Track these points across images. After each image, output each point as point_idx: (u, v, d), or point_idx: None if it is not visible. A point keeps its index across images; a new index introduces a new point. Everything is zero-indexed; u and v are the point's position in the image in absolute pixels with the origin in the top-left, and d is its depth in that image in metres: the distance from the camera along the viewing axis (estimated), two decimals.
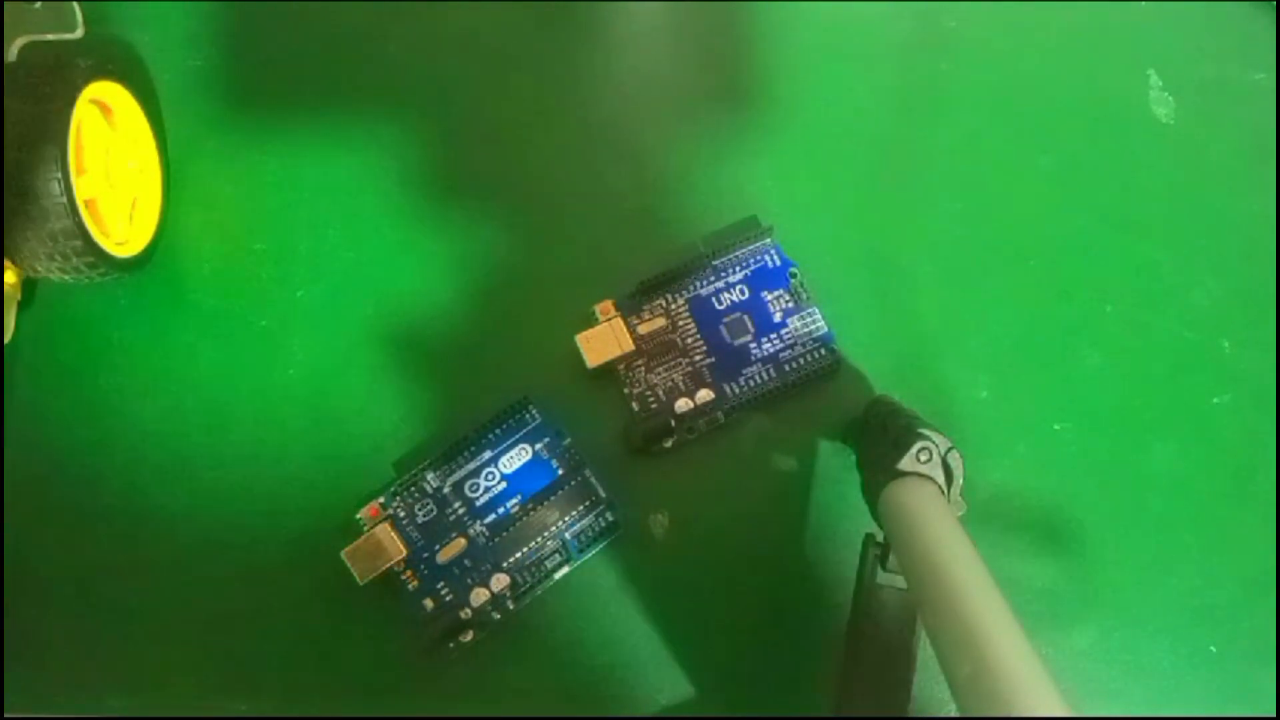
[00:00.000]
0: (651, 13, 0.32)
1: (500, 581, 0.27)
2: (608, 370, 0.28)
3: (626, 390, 0.29)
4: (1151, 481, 0.29)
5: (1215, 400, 0.30)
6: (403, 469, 0.28)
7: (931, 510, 0.22)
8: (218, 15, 0.32)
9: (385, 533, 0.27)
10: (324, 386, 0.29)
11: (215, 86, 0.31)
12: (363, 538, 0.27)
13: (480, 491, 0.28)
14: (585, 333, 0.28)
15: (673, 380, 0.29)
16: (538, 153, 0.31)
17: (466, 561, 0.27)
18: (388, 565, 0.26)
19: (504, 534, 0.27)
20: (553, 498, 0.27)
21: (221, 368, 0.29)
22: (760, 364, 0.29)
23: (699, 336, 0.29)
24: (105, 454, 0.28)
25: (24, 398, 0.29)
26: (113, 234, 0.28)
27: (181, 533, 0.28)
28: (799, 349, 0.29)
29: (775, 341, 0.29)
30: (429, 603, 0.27)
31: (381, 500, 0.28)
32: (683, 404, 0.28)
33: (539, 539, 0.27)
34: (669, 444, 0.28)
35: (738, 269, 0.29)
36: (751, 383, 0.28)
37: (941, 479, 0.24)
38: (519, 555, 0.27)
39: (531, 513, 0.27)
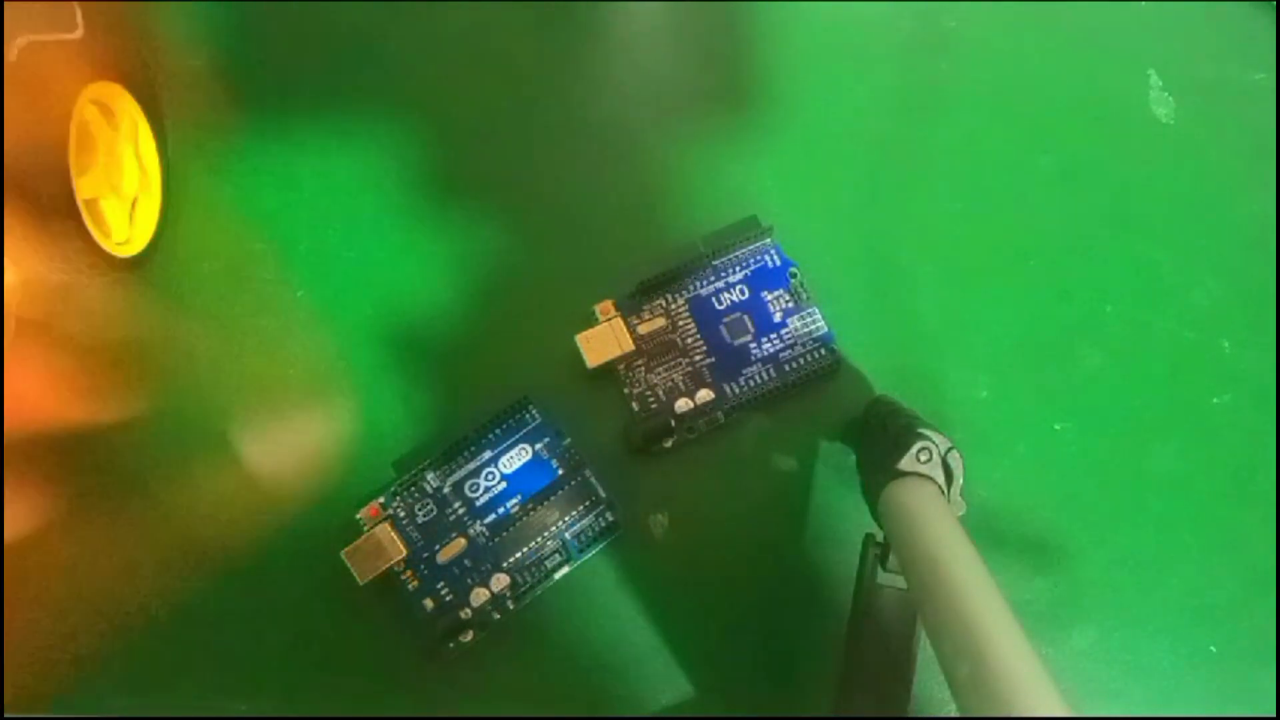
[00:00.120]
0: (651, 13, 0.32)
1: (500, 581, 0.27)
2: (608, 370, 0.28)
3: (626, 390, 0.29)
4: (1151, 481, 0.29)
5: (1215, 400, 0.30)
6: (403, 469, 0.28)
7: (931, 510, 0.22)
8: (217, 15, 0.32)
9: (385, 533, 0.27)
10: (324, 386, 0.29)
11: (215, 86, 0.31)
12: (363, 538, 0.27)
13: (480, 491, 0.28)
14: (585, 333, 0.28)
15: (673, 380, 0.29)
16: (538, 152, 0.31)
17: (466, 561, 0.27)
18: (388, 565, 0.26)
19: (504, 534, 0.27)
20: (553, 498, 0.27)
21: (221, 368, 0.29)
22: (760, 364, 0.29)
23: (699, 336, 0.29)
24: (105, 454, 0.28)
25: None
26: (113, 234, 0.28)
27: (181, 533, 0.28)
28: (799, 349, 0.29)
29: (775, 341, 0.29)
30: (429, 603, 0.27)
31: (381, 500, 0.28)
32: (683, 404, 0.28)
33: (539, 539, 0.27)
34: (669, 444, 0.28)
35: (738, 269, 0.29)
36: (751, 383, 0.28)
37: (941, 479, 0.24)
38: (519, 555, 0.27)
39: (531, 513, 0.27)
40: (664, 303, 0.29)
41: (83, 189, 0.26)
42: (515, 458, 0.28)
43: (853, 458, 0.28)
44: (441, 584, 0.27)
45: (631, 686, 0.28)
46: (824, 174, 0.31)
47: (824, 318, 0.29)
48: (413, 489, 0.28)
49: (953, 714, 0.26)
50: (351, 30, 0.32)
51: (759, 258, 0.30)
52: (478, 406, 0.28)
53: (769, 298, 0.29)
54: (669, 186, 0.31)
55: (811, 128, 0.31)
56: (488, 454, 0.28)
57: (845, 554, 0.26)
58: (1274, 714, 0.28)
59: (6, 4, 0.28)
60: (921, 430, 0.24)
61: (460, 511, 0.28)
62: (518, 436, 0.28)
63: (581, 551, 0.27)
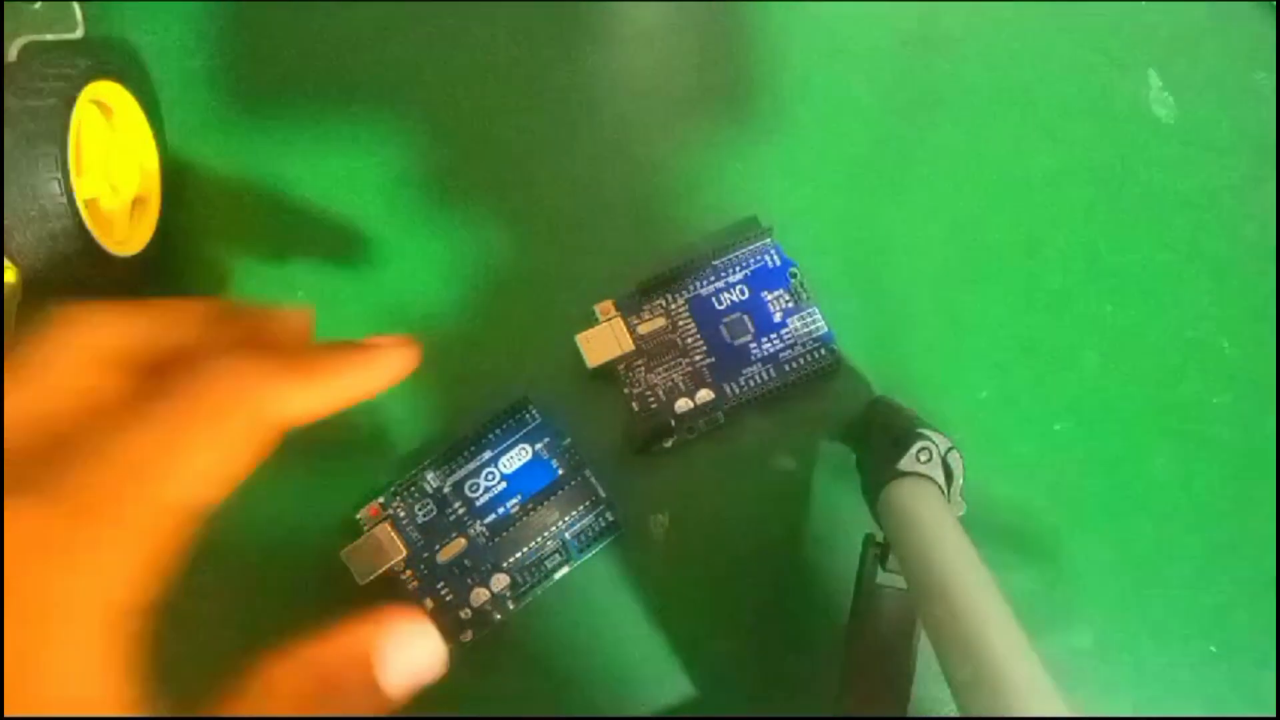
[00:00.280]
0: (652, 13, 0.32)
1: (500, 581, 0.27)
2: (608, 370, 0.28)
3: (626, 390, 0.29)
4: (1151, 481, 0.29)
5: (1215, 400, 0.30)
6: (403, 469, 0.28)
7: (931, 510, 0.22)
8: (217, 15, 0.32)
9: (385, 533, 0.27)
10: None
11: (215, 87, 0.31)
12: (363, 538, 0.27)
13: (480, 491, 0.28)
14: (585, 333, 0.28)
15: (673, 380, 0.29)
16: (538, 153, 0.31)
17: (466, 561, 0.27)
18: (388, 565, 0.26)
19: (504, 534, 0.27)
20: (553, 498, 0.27)
21: None
22: (760, 364, 0.29)
23: (699, 336, 0.29)
24: None
25: None
26: (113, 234, 0.28)
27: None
28: (799, 349, 0.29)
29: (775, 341, 0.29)
30: (429, 603, 0.27)
31: (381, 500, 0.28)
32: (683, 404, 0.28)
33: (539, 539, 0.27)
34: (669, 444, 0.28)
35: (738, 269, 0.29)
36: (751, 383, 0.28)
37: (941, 479, 0.24)
38: (519, 555, 0.27)
39: (531, 513, 0.27)
40: (664, 303, 0.29)
41: (83, 189, 0.26)
42: (515, 458, 0.28)
43: (853, 458, 0.28)
44: (441, 584, 0.27)
45: (631, 686, 0.28)
46: (824, 174, 0.31)
47: (824, 318, 0.29)
48: (413, 489, 0.28)
49: (953, 714, 0.26)
50: (351, 30, 0.32)
51: (759, 258, 0.30)
52: (478, 406, 0.28)
53: (769, 298, 0.29)
54: (669, 186, 0.31)
55: (811, 127, 0.31)
56: (488, 454, 0.28)
57: (845, 554, 0.26)
58: (1274, 714, 0.28)
59: (6, 4, 0.28)
60: (921, 430, 0.24)
61: (460, 511, 0.28)
62: (518, 436, 0.28)
63: (581, 551, 0.27)
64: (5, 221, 0.25)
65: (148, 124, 0.30)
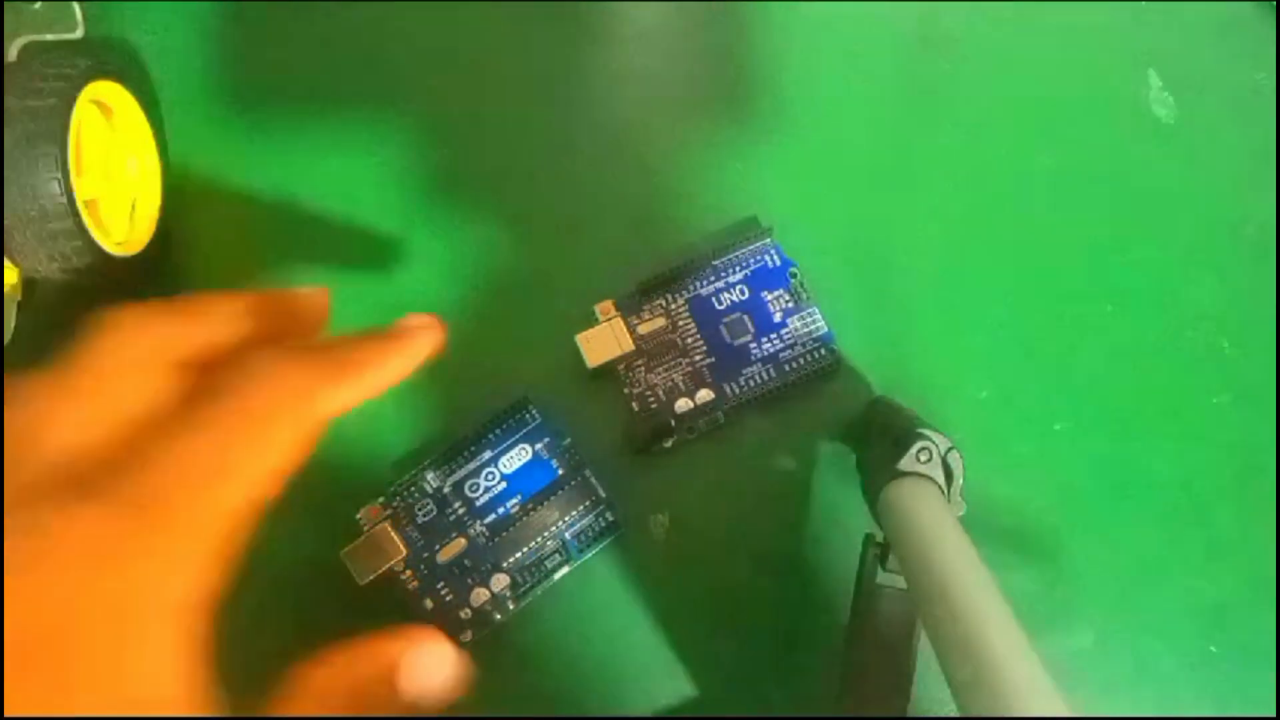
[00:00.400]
0: (652, 13, 0.32)
1: (500, 581, 0.27)
2: (608, 370, 0.28)
3: (626, 390, 0.29)
4: (1151, 481, 0.29)
5: (1215, 400, 0.30)
6: (403, 469, 0.28)
7: (931, 510, 0.22)
8: (218, 15, 0.32)
9: (385, 533, 0.27)
10: None
11: (215, 86, 0.31)
12: (363, 538, 0.27)
13: (480, 491, 0.28)
14: (585, 333, 0.28)
15: (673, 380, 0.29)
16: (538, 153, 0.31)
17: (466, 561, 0.27)
18: (388, 565, 0.26)
19: (504, 534, 0.27)
20: (553, 498, 0.27)
21: None
22: (760, 364, 0.29)
23: (699, 336, 0.29)
24: None
25: None
26: (113, 234, 0.28)
27: None
28: (799, 349, 0.29)
29: (775, 341, 0.29)
30: (429, 603, 0.27)
31: (381, 500, 0.28)
32: (683, 404, 0.28)
33: (539, 539, 0.27)
34: (669, 444, 0.28)
35: (738, 269, 0.29)
36: (751, 382, 0.28)
37: (941, 479, 0.24)
38: (519, 555, 0.27)
39: (531, 513, 0.27)
40: (664, 303, 0.29)
41: (83, 189, 0.26)
42: (515, 458, 0.28)
43: (853, 458, 0.28)
44: (441, 584, 0.27)
45: (632, 687, 0.28)
46: (824, 174, 0.31)
47: (824, 318, 0.29)
48: (413, 489, 0.28)
49: (953, 714, 0.26)
50: (351, 30, 0.32)
51: (759, 258, 0.30)
52: (478, 406, 0.28)
53: (769, 298, 0.29)
54: (669, 186, 0.31)
55: (812, 127, 0.31)
56: (488, 454, 0.28)
57: (845, 554, 0.26)
58: (1274, 714, 0.28)
59: (6, 4, 0.28)
60: (921, 430, 0.24)
61: (460, 511, 0.28)
62: (518, 436, 0.28)
63: (581, 551, 0.27)
64: (5, 221, 0.25)
65: (148, 124, 0.30)
